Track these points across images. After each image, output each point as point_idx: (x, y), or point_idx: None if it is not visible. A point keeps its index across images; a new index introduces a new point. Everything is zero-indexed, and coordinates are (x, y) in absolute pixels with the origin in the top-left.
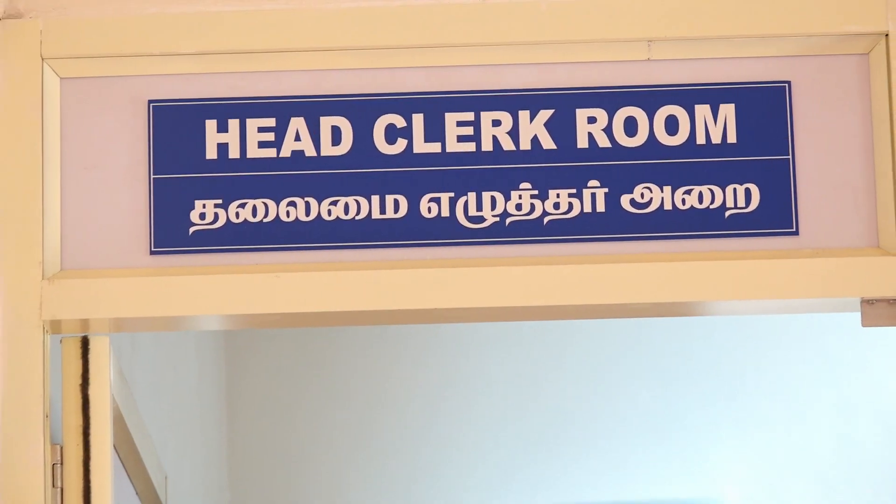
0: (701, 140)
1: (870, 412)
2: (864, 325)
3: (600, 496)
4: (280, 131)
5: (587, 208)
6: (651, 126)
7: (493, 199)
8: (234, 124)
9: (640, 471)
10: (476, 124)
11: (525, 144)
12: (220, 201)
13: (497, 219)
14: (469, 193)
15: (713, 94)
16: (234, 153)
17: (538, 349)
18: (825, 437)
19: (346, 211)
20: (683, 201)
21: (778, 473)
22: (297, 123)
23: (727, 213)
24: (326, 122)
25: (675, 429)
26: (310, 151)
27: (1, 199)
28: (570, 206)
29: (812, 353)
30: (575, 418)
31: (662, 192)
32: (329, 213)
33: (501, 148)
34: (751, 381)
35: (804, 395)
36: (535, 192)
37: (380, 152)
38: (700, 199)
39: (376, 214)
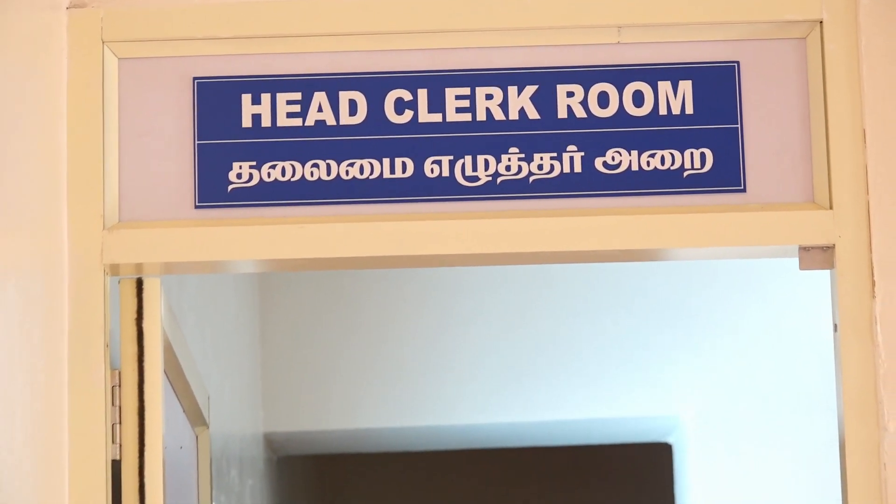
0: (663, 111)
1: (806, 343)
2: (801, 268)
3: (574, 414)
4: (305, 104)
5: (566, 169)
6: (620, 99)
7: (486, 162)
8: (266, 98)
9: (609, 391)
10: (471, 98)
11: (513, 115)
12: (254, 163)
13: (489, 178)
14: (465, 156)
15: (673, 73)
16: (266, 122)
17: (523, 288)
18: (768, 364)
19: (361, 171)
20: (648, 163)
21: (727, 395)
22: (320, 97)
23: (685, 174)
24: (344, 96)
25: (640, 356)
26: (330, 121)
27: (69, 162)
28: (552, 167)
29: (757, 292)
30: (553, 346)
31: (630, 155)
32: (346, 173)
33: (493, 118)
34: (705, 316)
35: (750, 328)
36: (522, 155)
37: (389, 122)
38: (662, 162)
39: (387, 174)
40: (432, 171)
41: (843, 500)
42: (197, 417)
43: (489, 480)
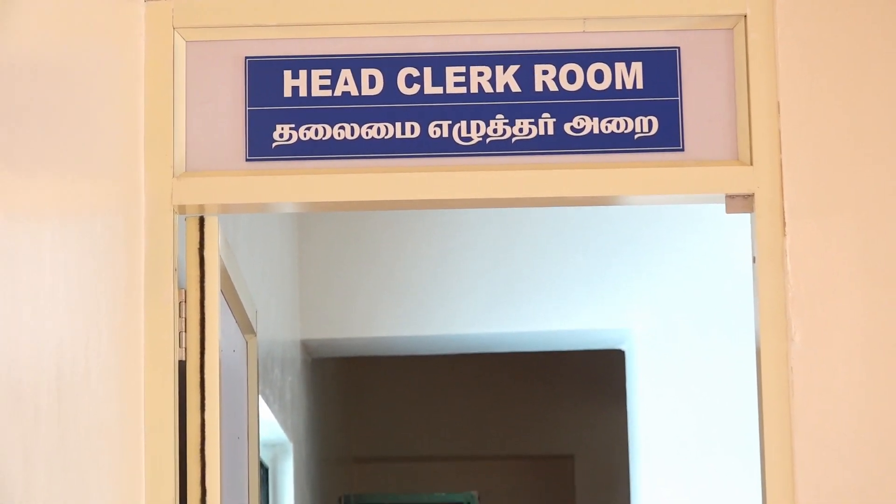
0: (619, 87)
1: (731, 271)
2: (727, 212)
3: (547, 325)
4: (334, 78)
5: (541, 132)
6: (585, 77)
7: (478, 125)
8: (303, 73)
9: (574, 306)
10: (466, 74)
11: (500, 88)
12: (293, 125)
13: (480, 139)
14: (461, 121)
15: (627, 56)
16: (302, 93)
17: (506, 225)
18: (702, 286)
19: (378, 132)
20: (606, 128)
21: (670, 311)
22: (346, 73)
23: (636, 136)
24: (365, 72)
25: (599, 280)
26: (354, 92)
27: (146, 124)
28: (530, 130)
29: (693, 231)
30: (529, 271)
31: (592, 121)
32: (366, 133)
33: (483, 91)
34: (653, 249)
35: (688, 259)
36: (506, 120)
37: (401, 93)
38: (617, 127)
39: (398, 135)
40: (435, 132)
41: (758, 395)
42: (247, 327)
43: (479, 379)
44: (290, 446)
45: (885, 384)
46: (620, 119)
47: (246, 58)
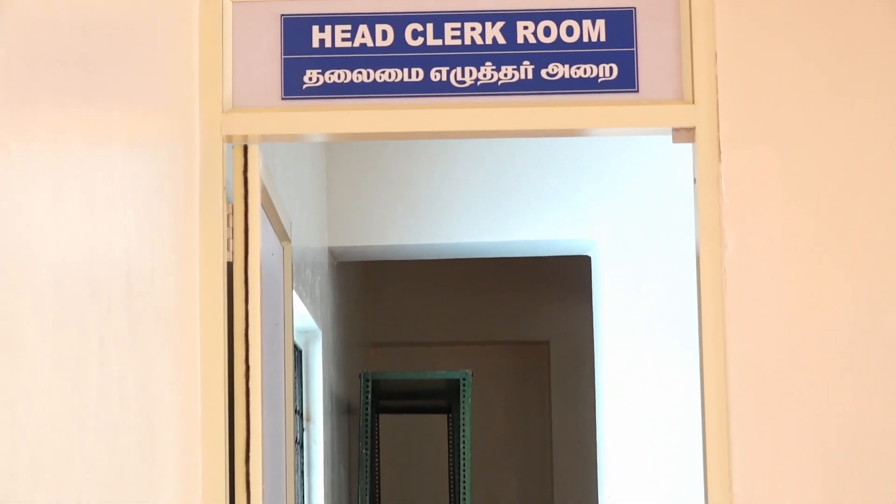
0: (586, 39)
1: (677, 191)
2: (673, 142)
3: (527, 235)
4: (353, 32)
5: (522, 77)
6: (558, 31)
7: (471, 71)
8: (328, 28)
9: (549, 219)
10: (461, 29)
11: (489, 41)
12: (320, 71)
13: (473, 82)
14: (457, 68)
15: (593, 14)
16: (327, 44)
17: (496, 152)
18: (655, 204)
19: (390, 77)
20: (575, 73)
21: (629, 223)
22: (363, 28)
23: (599, 80)
24: (378, 27)
25: (570, 197)
26: (369, 44)
27: (201, 70)
28: (513, 75)
29: (646, 158)
30: (512, 190)
31: (564, 67)
32: (380, 77)
33: (475, 43)
34: (615, 171)
35: (644, 182)
36: (494, 67)
37: (408, 45)
38: (585, 72)
39: (406, 79)
40: (435, 76)
41: (697, 291)
42: (283, 235)
43: (473, 279)
44: (319, 333)
45: (800, 278)
46: (587, 66)
47: (281, 15)
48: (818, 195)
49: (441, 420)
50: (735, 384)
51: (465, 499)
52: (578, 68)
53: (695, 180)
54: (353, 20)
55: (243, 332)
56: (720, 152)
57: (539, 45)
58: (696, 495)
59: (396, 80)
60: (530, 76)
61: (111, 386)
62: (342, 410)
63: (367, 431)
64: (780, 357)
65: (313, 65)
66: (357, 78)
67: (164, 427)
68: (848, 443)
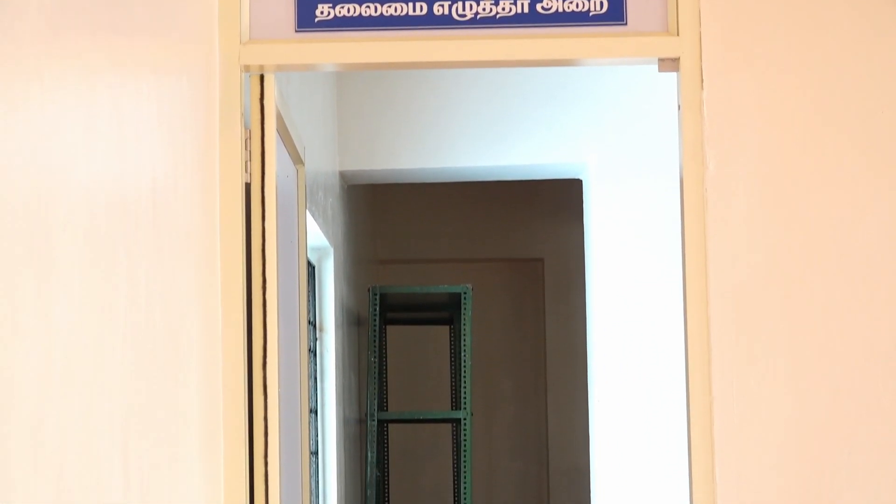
0: None
1: (663, 117)
2: (659, 71)
3: (521, 160)
4: None
5: (519, 10)
6: None
7: (471, 5)
8: None
9: (543, 144)
10: None
11: None
12: (331, 5)
13: (473, 15)
14: (458, 2)
15: None
16: None
17: (495, 82)
18: (644, 131)
19: (396, 10)
20: (568, 7)
21: (618, 149)
22: None
23: (590, 14)
24: None
25: (564, 124)
26: None
27: (219, 5)
28: (511, 9)
29: (634, 87)
30: (508, 116)
31: (557, 2)
32: (386, 11)
33: None
34: (605, 98)
35: (631, 109)
36: (493, 2)
37: None
38: (577, 6)
39: (411, 12)
40: (438, 10)
41: (680, 208)
42: (297, 158)
43: (474, 201)
44: (330, 250)
45: (777, 197)
46: (579, 0)
47: None
48: (795, 120)
49: (443, 331)
50: (715, 295)
51: (465, 402)
52: (571, 2)
53: (679, 107)
54: None
55: (260, 247)
56: (703, 81)
57: None
58: (679, 395)
59: (401, 14)
60: (526, 10)
61: (138, 295)
62: (352, 322)
63: (375, 341)
64: (758, 270)
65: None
66: (365, 12)
67: (187, 333)
68: (820, 349)
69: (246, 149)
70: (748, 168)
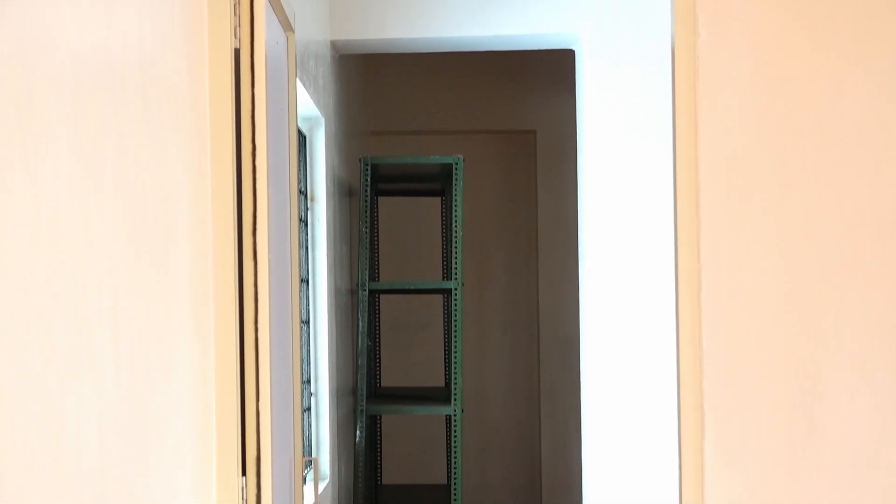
0: None
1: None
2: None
3: (514, 30)
4: None
5: None
6: None
7: None
8: None
9: (537, 14)
10: None
11: None
12: None
13: None
14: None
15: None
16: None
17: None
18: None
19: None
20: None
21: (609, 22)
22: None
23: None
24: None
25: None
26: None
27: None
28: None
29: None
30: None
31: None
32: None
33: None
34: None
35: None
36: None
37: None
38: None
39: None
40: None
41: (672, 77)
42: (287, 26)
43: (466, 72)
44: (322, 120)
45: (767, 64)
46: None
47: None
48: None
49: (435, 202)
50: (706, 162)
51: (456, 273)
52: None
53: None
54: None
55: (250, 113)
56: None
57: None
58: (669, 265)
59: None
60: None
61: (127, 159)
62: (344, 192)
63: (366, 212)
64: (748, 136)
65: None
66: None
67: (177, 198)
68: (810, 215)
69: (235, 14)
70: (740, 36)
